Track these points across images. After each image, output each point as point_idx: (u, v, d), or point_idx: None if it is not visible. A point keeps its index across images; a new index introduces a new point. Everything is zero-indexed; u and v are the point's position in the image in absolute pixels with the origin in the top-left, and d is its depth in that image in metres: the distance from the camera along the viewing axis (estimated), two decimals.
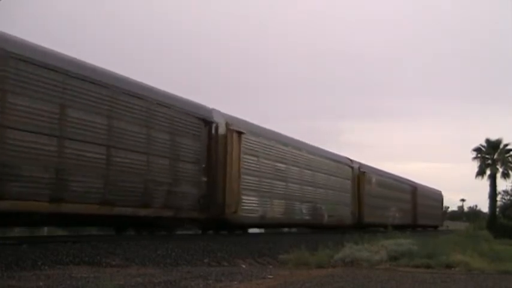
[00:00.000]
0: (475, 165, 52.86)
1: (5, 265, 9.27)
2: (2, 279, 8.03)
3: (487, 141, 52.64)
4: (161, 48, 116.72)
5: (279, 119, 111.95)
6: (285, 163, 24.09)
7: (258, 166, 21.36)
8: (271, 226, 26.17)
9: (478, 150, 52.97)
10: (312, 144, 28.99)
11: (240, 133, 19.86)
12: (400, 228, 37.29)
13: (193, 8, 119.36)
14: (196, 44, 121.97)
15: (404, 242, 15.66)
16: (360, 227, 32.22)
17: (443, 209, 72.60)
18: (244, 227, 21.96)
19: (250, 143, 20.81)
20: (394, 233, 19.49)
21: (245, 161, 20.19)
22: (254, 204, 20.96)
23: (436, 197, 58.32)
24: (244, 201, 20.10)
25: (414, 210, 46.56)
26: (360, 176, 34.25)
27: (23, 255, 10.08)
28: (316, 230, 30.26)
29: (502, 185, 54.30)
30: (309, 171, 26.75)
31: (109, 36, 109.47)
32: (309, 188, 26.60)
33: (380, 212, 36.97)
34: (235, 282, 8.87)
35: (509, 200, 58.13)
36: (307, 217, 26.20)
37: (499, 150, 52.19)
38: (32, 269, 9.33)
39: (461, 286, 9.69)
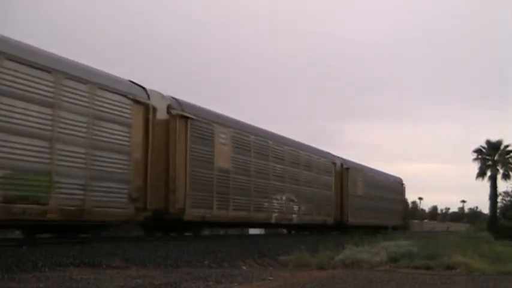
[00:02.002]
0: (475, 167, 52.91)
1: (5, 267, 9.27)
2: (2, 281, 8.03)
3: (488, 142, 52.67)
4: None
5: (281, 119, 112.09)
6: None
7: None
8: None
9: (478, 151, 53.01)
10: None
11: None
12: (306, 228, 27.13)
13: (195, 10, 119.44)
14: (202, 46, 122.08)
15: (404, 244, 15.68)
16: (167, 226, 17.88)
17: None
18: None
19: None
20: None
21: None
22: None
23: (393, 186, 41.24)
24: None
25: (341, 202, 30.44)
26: (179, 126, 16.89)
27: (23, 257, 10.08)
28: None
29: (502, 186, 54.34)
30: None
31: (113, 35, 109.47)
32: None
33: (242, 201, 20.17)
34: (236, 284, 8.86)
35: (509, 201, 58.02)
36: None
37: (499, 152, 52.21)
38: (32, 271, 9.33)
39: (461, 287, 9.68)
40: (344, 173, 31.11)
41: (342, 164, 31.13)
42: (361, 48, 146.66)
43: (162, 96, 16.86)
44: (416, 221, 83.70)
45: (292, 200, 24.39)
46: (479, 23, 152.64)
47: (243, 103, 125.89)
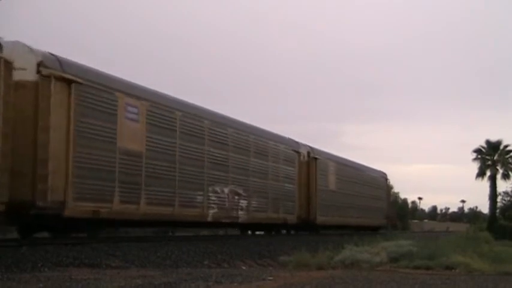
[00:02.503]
0: (475, 167, 52.84)
1: (5, 267, 9.28)
2: (2, 281, 8.03)
3: (487, 142, 52.60)
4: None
5: (287, 121, 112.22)
6: None
7: None
8: None
9: (478, 151, 52.89)
10: None
11: None
12: (260, 228, 22.97)
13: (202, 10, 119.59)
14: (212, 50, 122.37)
15: (404, 244, 15.67)
16: (43, 225, 13.77)
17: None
18: None
19: None
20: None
21: None
22: None
23: (375, 181, 36.07)
24: None
25: (308, 198, 25.65)
26: (56, 90, 12.63)
27: (23, 257, 10.08)
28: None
29: (502, 186, 54.10)
30: None
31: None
32: None
33: (162, 193, 15.94)
34: (235, 284, 8.85)
35: (509, 201, 58.00)
36: None
37: (499, 152, 52.14)
38: (32, 271, 9.34)
39: (461, 287, 9.68)
40: (311, 163, 26.04)
41: (308, 153, 26.06)
42: (360, 49, 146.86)
43: (30, 50, 12.52)
44: (416, 221, 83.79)
45: (238, 194, 19.81)
46: (479, 23, 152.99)
47: (242, 104, 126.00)
